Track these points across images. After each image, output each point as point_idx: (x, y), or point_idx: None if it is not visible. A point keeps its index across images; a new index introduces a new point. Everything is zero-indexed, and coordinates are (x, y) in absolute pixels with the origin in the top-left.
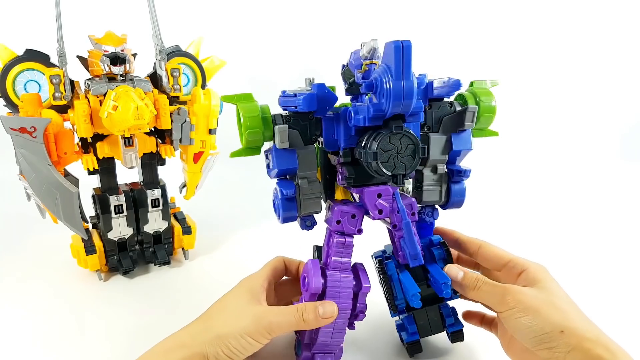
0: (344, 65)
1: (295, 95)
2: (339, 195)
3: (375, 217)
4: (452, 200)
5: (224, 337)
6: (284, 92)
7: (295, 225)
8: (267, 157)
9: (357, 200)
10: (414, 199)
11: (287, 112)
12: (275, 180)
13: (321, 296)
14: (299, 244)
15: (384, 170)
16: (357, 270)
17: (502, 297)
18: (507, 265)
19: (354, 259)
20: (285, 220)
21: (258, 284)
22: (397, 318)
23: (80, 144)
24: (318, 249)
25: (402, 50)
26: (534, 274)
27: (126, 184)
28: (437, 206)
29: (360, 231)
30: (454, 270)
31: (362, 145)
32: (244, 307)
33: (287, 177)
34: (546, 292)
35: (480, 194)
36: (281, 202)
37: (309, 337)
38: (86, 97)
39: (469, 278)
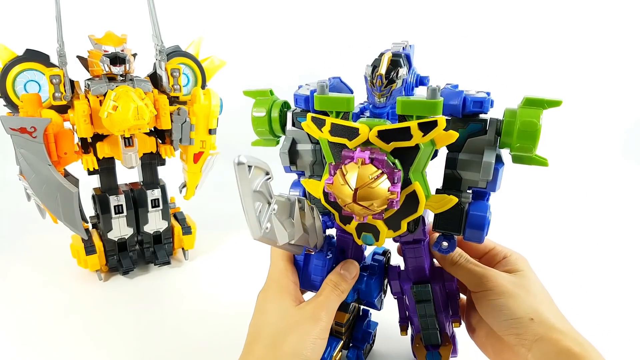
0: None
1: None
2: None
3: None
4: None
5: (299, 352)
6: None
7: None
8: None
9: None
10: None
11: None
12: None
13: None
14: None
15: None
16: None
17: (480, 277)
18: (489, 254)
19: None
20: None
21: (289, 281)
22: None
23: (80, 144)
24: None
25: None
26: (515, 262)
27: (126, 184)
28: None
29: None
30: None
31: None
32: (295, 312)
33: None
34: (523, 280)
35: None
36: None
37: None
38: (86, 97)
39: (452, 252)
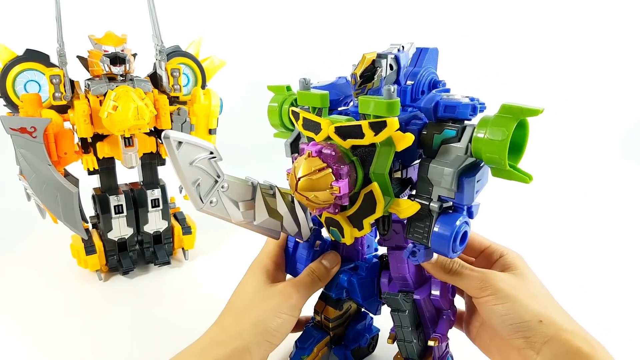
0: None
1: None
2: None
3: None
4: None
5: (261, 322)
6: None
7: None
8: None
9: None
10: None
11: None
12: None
13: None
14: None
15: None
16: None
17: (481, 282)
18: (485, 252)
19: None
20: None
21: (271, 262)
22: None
23: (80, 144)
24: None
25: None
26: (512, 261)
27: (126, 184)
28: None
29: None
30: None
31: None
32: (268, 288)
33: None
34: (524, 280)
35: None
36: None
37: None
38: (86, 97)
39: (443, 259)
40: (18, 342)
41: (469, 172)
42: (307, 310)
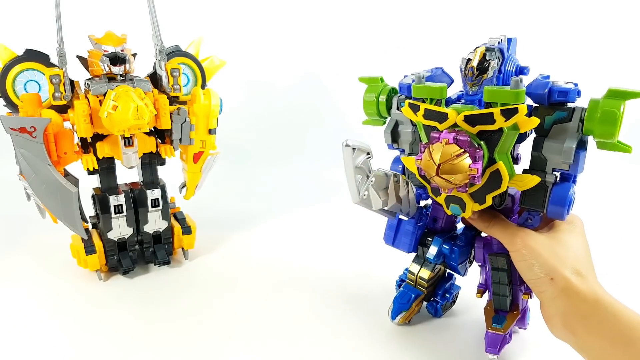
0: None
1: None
2: None
3: None
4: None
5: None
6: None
7: (293, 223)
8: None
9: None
10: None
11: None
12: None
13: None
14: (300, 243)
15: None
16: None
17: (511, 237)
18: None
19: None
20: None
21: None
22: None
23: (80, 144)
24: None
25: None
26: (556, 223)
27: (126, 184)
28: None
29: None
30: None
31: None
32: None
33: None
34: (554, 239)
35: None
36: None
37: None
38: (86, 97)
39: (484, 215)
40: (17, 342)
41: (580, 146)
42: (399, 270)
